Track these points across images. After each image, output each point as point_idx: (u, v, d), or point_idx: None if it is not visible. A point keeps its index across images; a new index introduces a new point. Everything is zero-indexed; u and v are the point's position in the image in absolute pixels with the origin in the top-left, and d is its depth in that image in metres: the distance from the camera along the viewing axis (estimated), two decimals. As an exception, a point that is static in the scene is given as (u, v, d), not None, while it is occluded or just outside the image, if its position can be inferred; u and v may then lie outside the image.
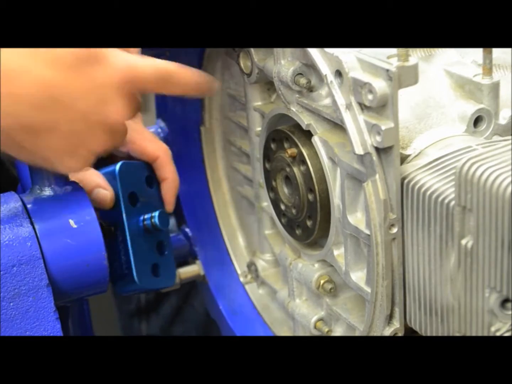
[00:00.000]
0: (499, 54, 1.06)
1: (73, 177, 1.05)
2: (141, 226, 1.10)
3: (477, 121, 1.01)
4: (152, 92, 1.04)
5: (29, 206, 0.97)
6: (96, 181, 1.10)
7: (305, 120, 1.04)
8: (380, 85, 0.88)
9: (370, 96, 0.89)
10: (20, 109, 0.88)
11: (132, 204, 1.11)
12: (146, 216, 1.11)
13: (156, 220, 1.10)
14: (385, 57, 0.90)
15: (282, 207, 1.14)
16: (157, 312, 1.72)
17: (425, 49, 1.05)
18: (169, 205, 1.18)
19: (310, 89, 1.03)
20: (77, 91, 0.91)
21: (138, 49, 1.02)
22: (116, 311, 1.82)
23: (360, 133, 0.92)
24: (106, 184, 1.10)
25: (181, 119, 1.36)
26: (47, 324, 0.94)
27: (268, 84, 1.16)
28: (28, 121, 0.89)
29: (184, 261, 1.39)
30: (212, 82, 1.06)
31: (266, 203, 1.22)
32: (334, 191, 1.03)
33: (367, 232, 0.96)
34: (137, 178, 1.14)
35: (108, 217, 1.03)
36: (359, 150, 0.93)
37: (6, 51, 0.88)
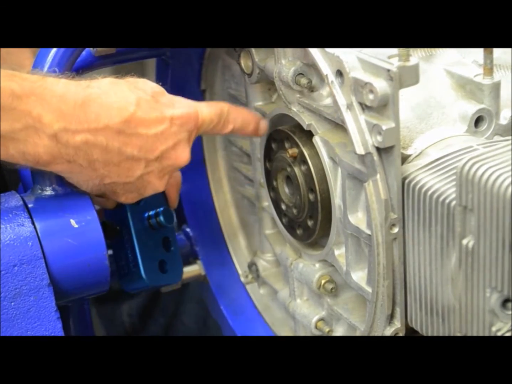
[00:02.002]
0: (500, 54, 1.06)
1: None
2: (146, 224, 1.11)
3: (478, 121, 1.01)
4: (209, 134, 1.11)
5: (30, 205, 0.97)
6: None
7: (306, 120, 1.04)
8: (381, 85, 0.88)
9: (371, 96, 0.89)
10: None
11: (136, 202, 1.11)
12: (150, 213, 1.11)
13: (161, 217, 1.10)
14: (386, 57, 0.90)
15: (283, 207, 1.14)
16: (145, 333, 1.72)
17: (426, 49, 1.05)
18: (173, 202, 1.18)
19: (311, 89, 1.03)
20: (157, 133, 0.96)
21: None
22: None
23: (361, 133, 0.92)
24: None
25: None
26: (48, 323, 0.94)
27: (269, 84, 1.16)
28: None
29: (185, 261, 1.39)
30: (262, 119, 1.10)
31: (267, 203, 1.22)
32: (335, 191, 1.03)
33: (368, 232, 0.96)
34: None
35: (113, 216, 1.03)
36: (360, 150, 0.93)
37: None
